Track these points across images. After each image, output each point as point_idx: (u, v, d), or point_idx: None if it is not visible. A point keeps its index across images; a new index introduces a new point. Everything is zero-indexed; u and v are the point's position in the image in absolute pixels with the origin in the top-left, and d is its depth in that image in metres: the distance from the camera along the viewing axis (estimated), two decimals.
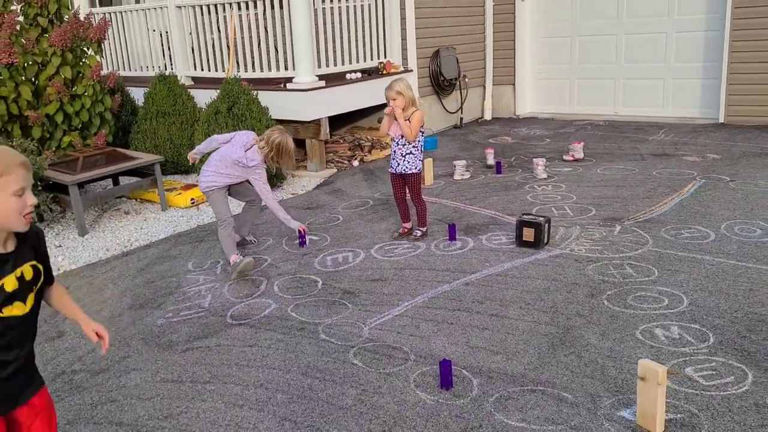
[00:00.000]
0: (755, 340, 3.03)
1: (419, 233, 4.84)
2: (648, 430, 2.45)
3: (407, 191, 4.83)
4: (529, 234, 4.42)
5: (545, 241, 4.44)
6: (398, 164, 4.71)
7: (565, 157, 6.91)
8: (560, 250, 4.38)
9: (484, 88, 9.93)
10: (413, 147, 4.65)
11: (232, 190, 4.74)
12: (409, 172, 4.69)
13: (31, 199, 1.79)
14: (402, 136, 4.62)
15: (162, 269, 4.65)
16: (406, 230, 4.93)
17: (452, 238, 4.74)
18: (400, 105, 4.53)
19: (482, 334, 3.33)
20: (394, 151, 4.71)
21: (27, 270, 1.85)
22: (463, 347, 3.22)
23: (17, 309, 1.83)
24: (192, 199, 6.15)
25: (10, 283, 1.80)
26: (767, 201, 5.00)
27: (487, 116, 9.94)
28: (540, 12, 9.38)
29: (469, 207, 5.52)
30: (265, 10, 7.22)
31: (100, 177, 5.75)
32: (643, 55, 8.76)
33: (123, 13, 8.65)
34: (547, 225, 4.43)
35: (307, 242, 4.93)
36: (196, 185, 6.51)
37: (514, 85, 9.81)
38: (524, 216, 4.51)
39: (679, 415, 2.54)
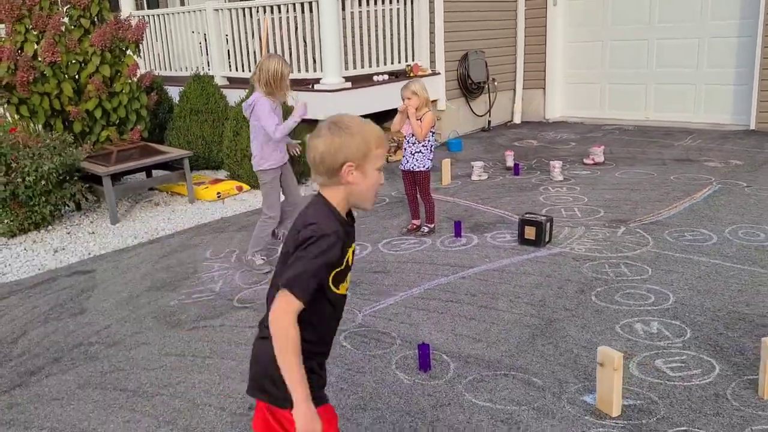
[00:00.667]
0: (731, 336, 3.09)
1: (426, 229, 4.99)
2: (605, 412, 2.56)
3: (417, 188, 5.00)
4: (530, 232, 4.53)
5: (547, 239, 4.54)
6: (407, 161, 4.90)
7: (585, 161, 6.95)
8: (561, 248, 4.47)
9: (514, 91, 10.00)
10: (422, 146, 4.81)
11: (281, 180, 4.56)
12: (417, 169, 4.85)
13: (382, 178, 1.76)
14: (413, 135, 4.79)
15: (182, 256, 4.94)
16: (414, 227, 5.07)
17: (458, 234, 4.88)
18: (414, 105, 4.68)
19: (468, 324, 3.48)
20: (405, 149, 4.90)
21: (353, 249, 1.79)
22: (448, 334, 3.37)
23: (345, 286, 1.79)
24: (218, 193, 6.45)
25: (351, 256, 1.75)
26: None
27: (517, 120, 10.00)
28: (572, 16, 9.39)
29: (481, 206, 5.65)
30: (296, 13, 7.50)
31: (132, 170, 6.11)
32: (674, 60, 8.69)
33: (166, 16, 9.09)
34: (548, 224, 4.53)
35: None
36: (224, 180, 6.85)
37: (544, 89, 9.84)
38: (527, 215, 4.62)
39: (638, 402, 2.64)
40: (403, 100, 4.78)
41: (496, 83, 9.46)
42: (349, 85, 7.37)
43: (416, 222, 5.10)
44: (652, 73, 8.91)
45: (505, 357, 3.10)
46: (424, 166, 4.85)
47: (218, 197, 6.44)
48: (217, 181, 6.76)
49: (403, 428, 2.62)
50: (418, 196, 5.05)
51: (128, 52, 6.61)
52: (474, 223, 5.18)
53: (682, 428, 2.47)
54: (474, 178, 6.65)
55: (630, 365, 2.92)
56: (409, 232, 5.06)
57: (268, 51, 8.01)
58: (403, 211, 5.69)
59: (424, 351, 3.03)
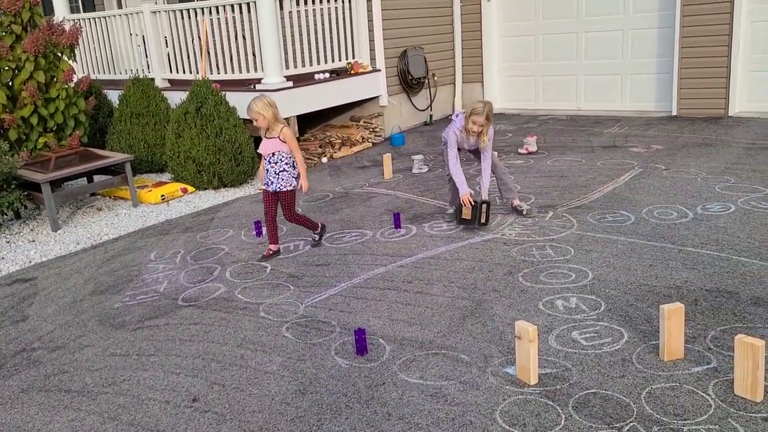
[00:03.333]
0: (640, 307, 3.38)
1: (315, 237, 4.84)
2: (524, 381, 2.80)
3: (281, 210, 4.69)
4: (467, 212, 4.74)
5: (482, 220, 4.75)
6: (272, 182, 4.57)
7: (519, 150, 7.26)
8: (493, 234, 4.72)
9: (454, 85, 10.27)
10: (286, 164, 4.52)
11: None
12: (283, 189, 4.56)
13: None
14: (273, 154, 4.50)
15: (126, 259, 4.99)
16: (270, 252, 4.71)
17: (397, 226, 5.08)
18: (263, 125, 4.45)
19: (404, 309, 3.68)
20: (268, 170, 4.57)
21: None
22: (385, 320, 3.57)
23: None
24: (162, 195, 6.49)
25: None
26: (691, 187, 5.35)
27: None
28: (505, 11, 9.71)
29: (420, 198, 5.86)
30: (234, 14, 7.56)
31: (72, 176, 6.09)
32: (602, 52, 9.10)
33: (103, 19, 8.98)
34: (485, 206, 4.74)
35: (263, 233, 5.26)
36: (167, 182, 6.87)
37: (482, 82, 10.14)
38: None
39: (554, 370, 2.89)
40: (253, 122, 4.57)
41: (436, 78, 9.71)
42: (290, 84, 7.48)
43: (273, 248, 4.75)
44: (581, 64, 9.31)
45: (437, 338, 3.31)
46: (290, 185, 4.57)
47: (162, 200, 6.47)
48: (160, 183, 6.78)
49: (340, 408, 2.80)
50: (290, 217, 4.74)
51: (63, 56, 6.55)
52: (413, 215, 5.39)
53: (592, 391, 2.72)
54: (415, 171, 6.86)
55: (549, 338, 3.17)
56: (265, 259, 4.67)
57: (208, 52, 8.06)
58: (346, 205, 5.87)
59: (360, 336, 3.21)
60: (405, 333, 3.40)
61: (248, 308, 3.90)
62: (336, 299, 3.90)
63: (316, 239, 4.88)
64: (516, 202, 5.14)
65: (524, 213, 5.07)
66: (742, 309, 3.25)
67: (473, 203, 4.72)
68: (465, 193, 4.73)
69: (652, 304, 3.40)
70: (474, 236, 4.72)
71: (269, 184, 4.60)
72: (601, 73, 9.18)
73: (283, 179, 4.57)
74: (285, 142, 4.50)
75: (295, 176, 4.61)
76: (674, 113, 8.36)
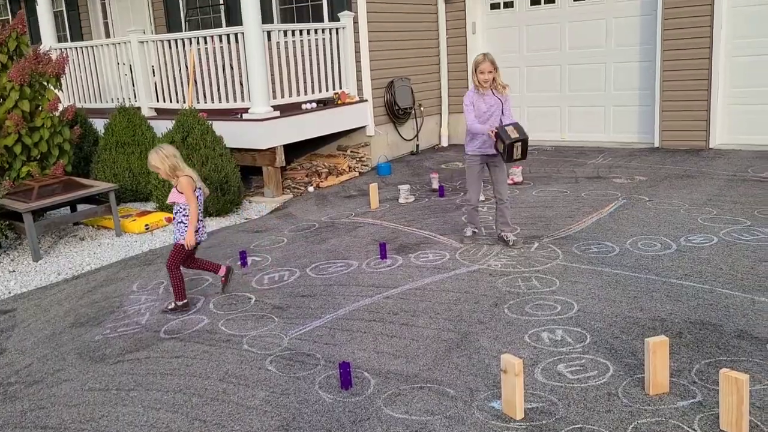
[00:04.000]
0: (625, 339, 3.38)
1: (171, 305, 4.39)
2: (510, 416, 2.77)
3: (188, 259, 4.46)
4: (499, 146, 4.69)
5: (518, 156, 4.70)
6: (174, 232, 4.41)
7: None
8: (479, 265, 4.72)
9: (441, 116, 10.37)
10: (183, 215, 4.32)
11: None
12: (178, 241, 4.34)
13: None
14: (174, 204, 4.35)
15: (108, 290, 4.92)
16: (177, 305, 4.40)
17: (383, 256, 5.07)
18: (164, 177, 4.33)
19: (390, 341, 3.65)
20: (174, 218, 4.41)
21: None
22: (370, 353, 3.53)
23: None
24: (146, 224, 6.43)
25: None
26: (674, 218, 5.40)
27: (444, 143, 10.36)
28: (490, 44, 9.87)
29: (406, 228, 5.87)
30: (222, 44, 7.62)
31: (55, 205, 6.03)
32: (585, 84, 9.26)
33: (91, 48, 9.00)
34: (519, 144, 4.65)
35: (248, 263, 5.23)
36: (152, 212, 6.83)
37: None
38: (507, 127, 4.71)
39: (540, 404, 2.86)
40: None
41: (422, 108, 9.80)
42: (277, 113, 7.52)
43: (221, 271, 4.60)
44: (565, 96, 9.46)
45: (423, 371, 3.28)
46: (183, 237, 4.33)
47: (146, 229, 6.42)
48: (144, 213, 6.74)
49: None
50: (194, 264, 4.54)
51: (49, 86, 6.54)
52: (399, 245, 5.38)
53: (578, 426, 2.70)
54: (401, 200, 6.88)
55: (535, 371, 3.15)
56: (172, 311, 4.38)
57: (195, 82, 8.10)
58: (332, 235, 5.85)
59: (345, 369, 3.17)
60: (390, 366, 3.36)
61: (231, 341, 3.85)
62: (321, 331, 3.86)
63: (169, 307, 4.39)
64: (505, 233, 5.15)
65: (510, 244, 5.09)
66: (726, 342, 3.26)
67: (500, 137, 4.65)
68: (488, 129, 4.77)
69: (636, 336, 3.40)
70: (460, 267, 4.72)
71: (174, 232, 4.42)
72: (584, 104, 9.33)
73: (178, 230, 4.35)
74: (182, 193, 4.28)
75: (194, 229, 4.31)
76: (657, 145, 8.49)
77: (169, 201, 4.44)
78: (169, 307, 4.42)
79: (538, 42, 9.51)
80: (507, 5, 9.74)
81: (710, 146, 8.16)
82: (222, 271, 4.59)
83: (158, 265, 5.42)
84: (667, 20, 8.07)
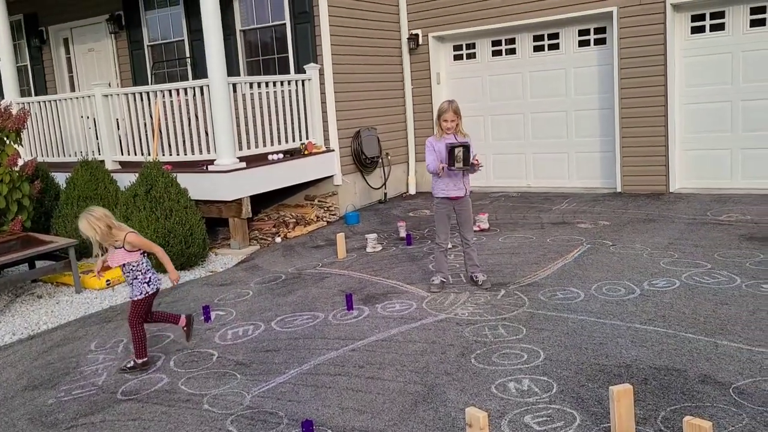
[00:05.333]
0: (591, 388, 3.35)
1: (130, 363, 4.23)
2: None
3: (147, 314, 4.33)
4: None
5: (459, 164, 4.94)
6: (131, 291, 4.29)
7: None
8: (446, 314, 4.69)
9: (408, 164, 10.48)
10: (139, 272, 4.21)
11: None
12: (136, 298, 4.24)
13: None
14: (124, 265, 4.21)
15: (64, 351, 4.75)
16: (136, 363, 4.26)
17: (349, 308, 5.00)
18: (102, 241, 4.12)
19: (355, 396, 3.56)
20: (127, 277, 4.28)
21: None
22: (335, 409, 3.44)
23: None
24: (108, 280, 6.28)
25: None
26: (637, 262, 5.47)
27: (412, 191, 10.44)
28: (455, 93, 10.08)
29: (374, 278, 5.82)
30: (187, 97, 7.64)
31: (11, 262, 5.85)
32: (548, 131, 9.48)
33: (54, 102, 8.94)
34: (460, 149, 4.93)
35: (212, 318, 5.11)
36: (113, 267, 6.66)
37: None
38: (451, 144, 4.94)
39: None
40: None
41: (389, 157, 9.90)
42: (243, 165, 7.51)
43: (182, 322, 4.47)
44: (529, 143, 9.66)
45: (388, 426, 3.19)
46: (140, 293, 4.23)
47: (108, 285, 6.26)
48: (106, 268, 6.56)
49: None
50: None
51: (8, 141, 6.45)
52: (366, 295, 5.33)
53: None
54: (368, 250, 6.86)
55: (502, 423, 3.09)
56: (130, 370, 4.23)
57: (160, 134, 8.07)
58: (298, 287, 5.78)
59: (308, 428, 3.07)
60: (355, 422, 3.27)
61: (191, 400, 3.72)
62: (284, 387, 3.76)
63: (127, 366, 4.23)
64: (475, 273, 5.24)
65: (480, 284, 5.16)
66: (691, 387, 3.26)
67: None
68: (440, 165, 5.00)
69: (603, 384, 3.38)
70: (427, 317, 4.67)
71: (130, 291, 4.30)
72: (548, 151, 9.53)
73: (135, 287, 4.23)
74: (134, 251, 4.18)
75: (147, 281, 4.22)
76: (619, 190, 8.67)
77: (115, 265, 4.26)
78: (128, 366, 4.26)
79: (501, 91, 9.76)
80: (470, 56, 10.01)
81: (670, 190, 8.36)
82: (182, 322, 4.47)
83: (118, 322, 5.26)
84: (623, 69, 8.37)
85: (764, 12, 7.70)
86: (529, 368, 3.65)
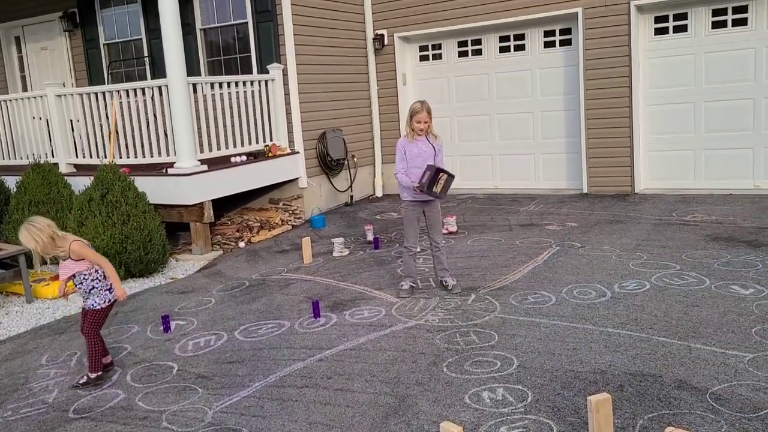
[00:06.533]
0: (567, 396, 3.26)
1: (84, 379, 3.99)
2: None
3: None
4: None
5: (436, 190, 4.82)
6: (85, 300, 4.08)
7: None
8: (416, 321, 4.56)
9: (374, 166, 10.34)
10: (93, 280, 3.99)
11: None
12: (95, 308, 4.01)
13: None
14: (74, 276, 3.98)
15: (13, 365, 4.47)
16: (90, 378, 4.02)
17: (316, 315, 4.84)
18: (46, 252, 3.87)
19: (323, 410, 3.40)
20: (80, 289, 4.06)
21: None
22: (302, 424, 3.27)
23: None
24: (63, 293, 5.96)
25: None
26: (606, 264, 5.44)
27: (378, 193, 10.30)
28: (421, 94, 9.98)
29: (341, 283, 5.67)
30: (146, 97, 7.36)
31: None
32: (514, 132, 9.46)
33: (4, 103, 8.54)
34: (442, 175, 4.81)
35: (171, 328, 4.89)
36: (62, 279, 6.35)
37: None
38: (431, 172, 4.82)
39: None
40: None
41: (355, 159, 9.75)
42: (204, 167, 7.27)
43: (106, 360, 4.17)
44: (495, 144, 9.63)
45: None
46: (104, 302, 4.03)
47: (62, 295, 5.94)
48: (57, 277, 6.26)
49: None
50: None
51: None
52: (333, 302, 5.17)
53: None
54: (335, 254, 6.69)
55: None
56: (82, 386, 4.00)
57: (117, 136, 7.76)
58: (263, 294, 5.58)
59: None
60: None
61: (149, 418, 3.51)
62: (249, 401, 3.58)
63: (81, 382, 3.98)
64: (445, 278, 5.15)
65: (449, 288, 5.06)
66: (667, 393, 3.19)
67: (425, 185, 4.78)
68: (413, 184, 4.88)
69: (578, 392, 3.29)
70: (397, 323, 4.54)
71: (85, 301, 4.06)
72: (514, 152, 9.51)
73: (93, 296, 4.00)
74: (81, 259, 3.94)
75: (108, 288, 4.03)
76: (585, 191, 8.69)
77: (64, 277, 4.03)
78: (81, 382, 4.02)
79: (467, 92, 9.70)
80: (436, 57, 9.93)
81: (635, 191, 8.42)
82: (93, 374, 4.04)
83: (72, 333, 4.99)
84: (588, 70, 8.40)
85: (726, 14, 7.80)
86: (502, 376, 3.55)
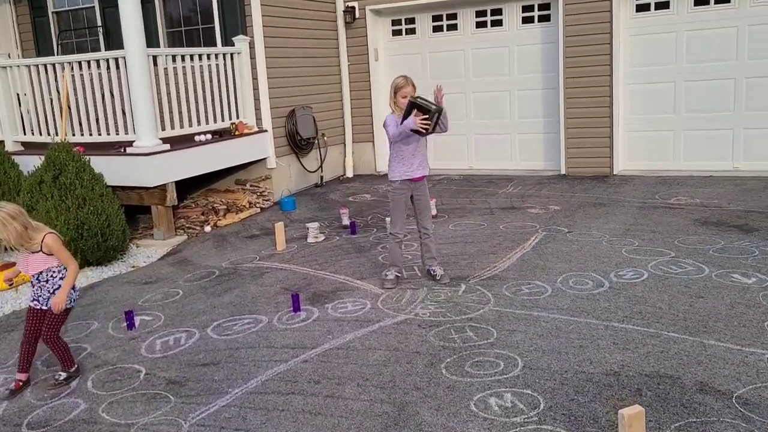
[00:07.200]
0: (582, 402, 3.00)
1: (62, 376, 3.66)
2: None
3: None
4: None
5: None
6: (47, 301, 3.60)
7: None
8: (405, 315, 4.25)
9: (345, 145, 9.93)
10: (61, 278, 3.60)
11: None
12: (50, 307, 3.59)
13: None
14: (41, 272, 3.56)
15: None
16: (20, 384, 3.64)
17: (296, 309, 4.48)
18: (14, 243, 3.45)
19: (314, 420, 3.07)
20: (35, 288, 3.64)
21: None
22: None
23: None
24: (10, 280, 5.42)
25: None
26: (598, 251, 5.22)
27: (349, 173, 9.91)
28: (393, 71, 9.57)
29: (319, 272, 5.31)
30: (100, 70, 6.78)
31: None
32: (490, 112, 9.17)
33: None
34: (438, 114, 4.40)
35: (136, 325, 4.46)
36: (15, 263, 5.81)
37: (373, 142, 9.88)
38: (418, 99, 4.40)
39: None
40: None
41: (326, 138, 9.32)
42: (167, 147, 6.77)
43: (22, 377, 3.67)
44: (471, 124, 9.32)
45: None
46: (69, 302, 3.63)
47: (10, 286, 5.42)
48: (6, 266, 5.71)
49: None
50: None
51: None
52: (313, 293, 4.81)
53: None
54: (310, 240, 6.32)
55: None
56: (12, 394, 3.59)
57: (70, 111, 7.16)
58: (235, 284, 5.19)
59: None
60: None
61: None
62: (229, 411, 3.21)
63: (60, 379, 3.64)
64: (433, 267, 4.87)
65: (437, 278, 4.79)
66: (690, 398, 2.96)
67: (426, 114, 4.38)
68: (413, 122, 4.41)
69: (594, 397, 3.03)
70: (385, 318, 4.22)
71: (39, 300, 3.61)
72: (490, 132, 9.23)
73: (57, 295, 3.57)
74: (52, 254, 3.52)
75: (72, 286, 3.62)
76: (563, 172, 8.49)
77: (32, 272, 3.57)
78: (61, 378, 3.65)
79: (441, 69, 9.34)
80: (409, 31, 9.53)
81: (614, 172, 8.25)
82: (71, 369, 3.69)
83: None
84: (568, 48, 8.13)
85: None
86: (508, 379, 3.27)
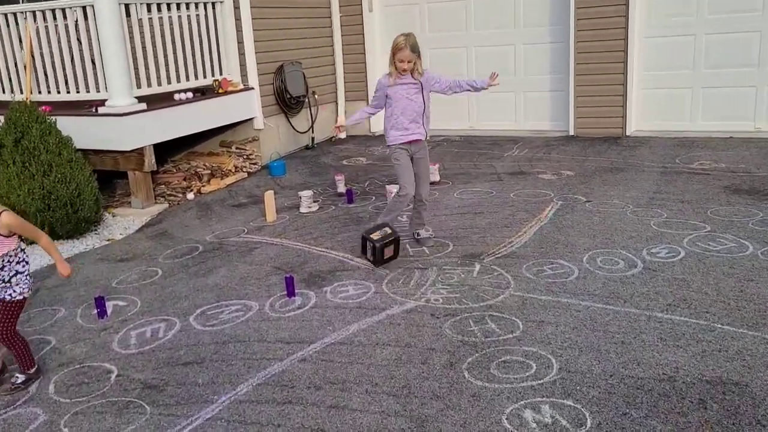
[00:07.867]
0: (636, 418, 2.53)
1: (20, 379, 3.17)
2: None
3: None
4: (389, 251, 4.19)
5: (371, 258, 4.27)
6: (2, 291, 3.08)
7: None
8: (415, 301, 3.74)
9: (337, 104, 9.29)
10: (18, 263, 3.10)
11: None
12: (16, 298, 3.09)
13: None
14: (2, 256, 3.03)
15: None
16: (29, 374, 3.21)
17: (290, 294, 3.96)
18: None
19: None
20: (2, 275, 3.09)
21: None
22: None
23: None
24: None
25: None
26: (623, 224, 4.72)
27: (342, 135, 9.28)
28: (389, 24, 8.90)
29: (315, 249, 4.78)
30: (67, 21, 6.07)
31: None
32: (493, 67, 8.44)
33: None
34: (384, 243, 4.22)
35: (108, 312, 3.93)
36: None
37: (367, 101, 9.22)
38: (371, 234, 4.23)
39: None
40: None
41: (316, 96, 8.67)
42: (143, 106, 6.13)
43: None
44: None
45: None
46: (27, 290, 3.15)
47: None
48: None
49: None
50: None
51: None
52: (309, 274, 4.30)
53: None
54: (303, 210, 5.77)
55: None
56: (24, 385, 3.18)
57: (34, 67, 6.46)
58: (222, 262, 4.66)
59: None
60: None
61: None
62: (215, 427, 2.72)
63: (17, 382, 3.15)
64: (419, 230, 4.59)
65: (420, 238, 4.61)
66: (766, 413, 2.50)
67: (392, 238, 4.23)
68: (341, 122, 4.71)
69: (650, 411, 2.56)
70: (392, 305, 3.71)
71: None
72: (493, 90, 8.55)
73: (14, 284, 3.08)
74: (11, 236, 3.03)
75: (28, 273, 3.15)
76: (572, 133, 7.94)
77: None
78: (18, 382, 3.15)
79: (441, 22, 8.66)
80: None
81: (627, 133, 7.71)
82: (30, 370, 3.19)
83: None
84: None
85: None
86: (543, 386, 2.79)
